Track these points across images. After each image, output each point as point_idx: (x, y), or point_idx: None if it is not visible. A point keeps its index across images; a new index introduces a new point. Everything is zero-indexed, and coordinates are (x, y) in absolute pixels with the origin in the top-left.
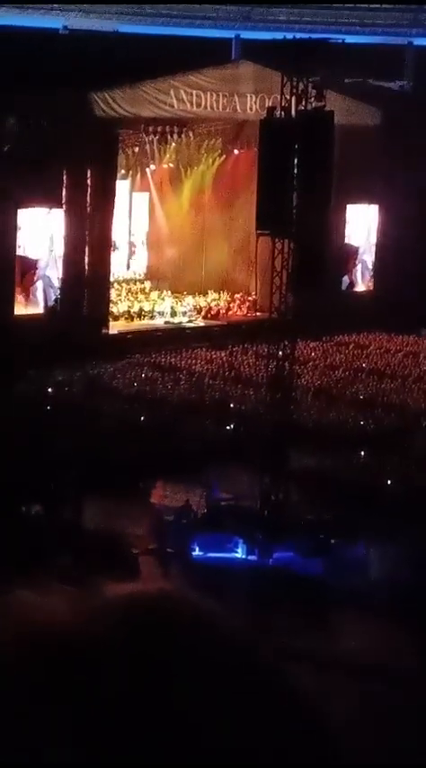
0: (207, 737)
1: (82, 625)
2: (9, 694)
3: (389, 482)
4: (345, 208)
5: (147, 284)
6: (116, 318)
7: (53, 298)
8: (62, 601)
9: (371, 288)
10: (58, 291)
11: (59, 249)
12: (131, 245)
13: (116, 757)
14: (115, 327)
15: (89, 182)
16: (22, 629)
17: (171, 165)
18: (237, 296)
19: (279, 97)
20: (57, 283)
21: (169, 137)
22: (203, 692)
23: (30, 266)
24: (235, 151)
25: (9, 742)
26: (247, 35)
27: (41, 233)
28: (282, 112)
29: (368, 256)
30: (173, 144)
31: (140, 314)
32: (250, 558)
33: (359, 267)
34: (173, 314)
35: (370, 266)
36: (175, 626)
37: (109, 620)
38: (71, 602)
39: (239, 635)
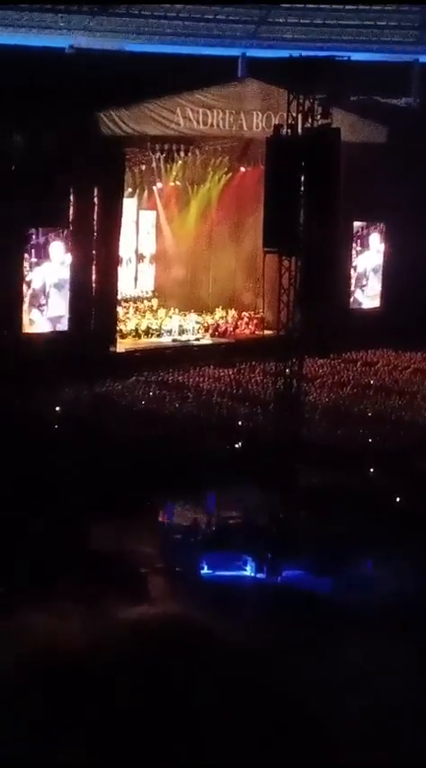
0: (212, 745)
1: (93, 644)
2: (21, 706)
3: (398, 499)
4: (352, 225)
5: (155, 302)
6: (124, 336)
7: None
8: (73, 620)
9: (379, 305)
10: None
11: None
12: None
13: (120, 760)
14: (123, 345)
15: (96, 200)
16: (34, 648)
17: (177, 182)
18: (245, 313)
19: (285, 115)
20: (55, 299)
21: (176, 155)
22: (210, 704)
23: None
24: (242, 169)
25: (21, 747)
26: (253, 53)
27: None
28: (289, 130)
29: (375, 273)
30: (180, 162)
31: (148, 332)
32: (259, 576)
33: (366, 284)
34: (181, 332)
35: (378, 283)
36: (184, 643)
37: (119, 640)
38: (82, 622)
39: (246, 651)
